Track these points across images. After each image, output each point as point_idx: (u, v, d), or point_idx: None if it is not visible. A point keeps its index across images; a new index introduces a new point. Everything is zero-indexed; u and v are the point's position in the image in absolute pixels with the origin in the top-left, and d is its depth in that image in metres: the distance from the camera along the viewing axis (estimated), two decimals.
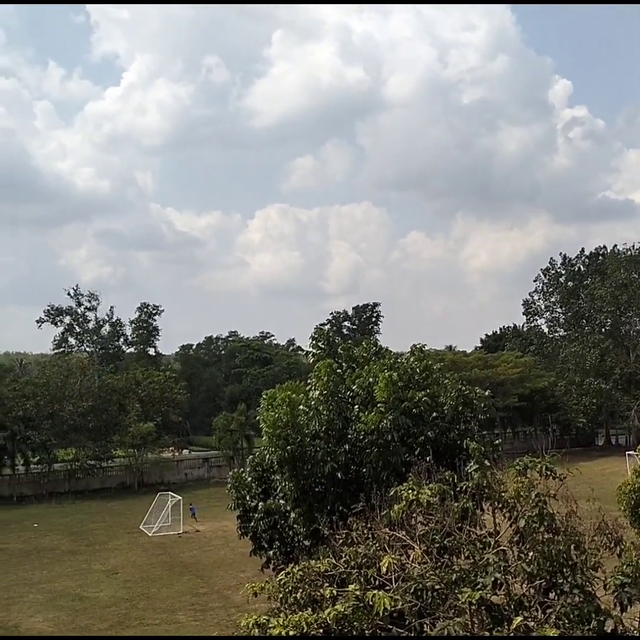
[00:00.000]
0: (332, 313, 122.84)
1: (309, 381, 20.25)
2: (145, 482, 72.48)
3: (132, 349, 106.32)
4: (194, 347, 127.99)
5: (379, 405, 18.07)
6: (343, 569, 11.19)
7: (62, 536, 50.41)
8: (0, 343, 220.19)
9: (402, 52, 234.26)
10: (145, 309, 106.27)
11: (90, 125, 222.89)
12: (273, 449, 18.98)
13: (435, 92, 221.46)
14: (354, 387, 19.31)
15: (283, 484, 19.21)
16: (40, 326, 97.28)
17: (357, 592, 9.94)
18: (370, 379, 18.88)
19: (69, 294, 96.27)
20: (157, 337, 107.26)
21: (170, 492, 53.52)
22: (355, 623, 9.60)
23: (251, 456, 22.17)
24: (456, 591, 9.48)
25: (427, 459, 14.31)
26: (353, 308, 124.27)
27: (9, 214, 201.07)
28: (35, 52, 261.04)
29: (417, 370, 19.40)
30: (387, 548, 11.22)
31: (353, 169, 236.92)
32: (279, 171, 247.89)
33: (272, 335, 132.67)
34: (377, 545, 11.47)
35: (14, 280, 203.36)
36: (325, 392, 18.87)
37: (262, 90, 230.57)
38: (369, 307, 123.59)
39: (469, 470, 11.59)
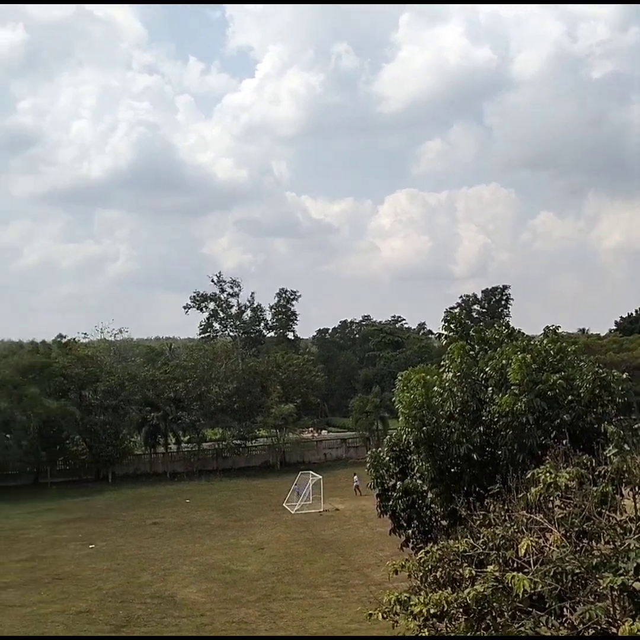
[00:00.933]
0: (461, 296, 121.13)
1: (442, 363, 20.05)
2: (287, 461, 74.04)
3: (272, 333, 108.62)
4: (329, 331, 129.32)
5: (512, 387, 17.70)
6: (481, 550, 11.08)
7: (212, 512, 52.24)
8: (152, 328, 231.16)
9: (530, 29, 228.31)
10: (283, 295, 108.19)
11: (228, 116, 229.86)
12: (409, 430, 18.93)
13: (565, 68, 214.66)
14: (487, 369, 18.98)
15: (420, 464, 19.13)
16: (187, 312, 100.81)
17: (496, 573, 9.83)
18: (504, 361, 18.49)
19: (212, 280, 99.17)
20: (295, 321, 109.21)
21: (310, 472, 54.40)
22: (494, 604, 9.50)
23: (388, 436, 22.16)
24: (597, 576, 9.21)
25: (564, 442, 13.92)
26: (482, 291, 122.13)
27: (158, 205, 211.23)
28: (176, 48, 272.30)
29: (551, 352, 18.85)
30: (524, 530, 11.03)
31: (481, 150, 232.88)
32: (408, 155, 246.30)
33: (403, 319, 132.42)
34: (514, 527, 11.28)
35: (164, 269, 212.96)
36: (458, 373, 18.63)
37: (390, 74, 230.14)
38: (499, 289, 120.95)
39: (608, 455, 11.22)
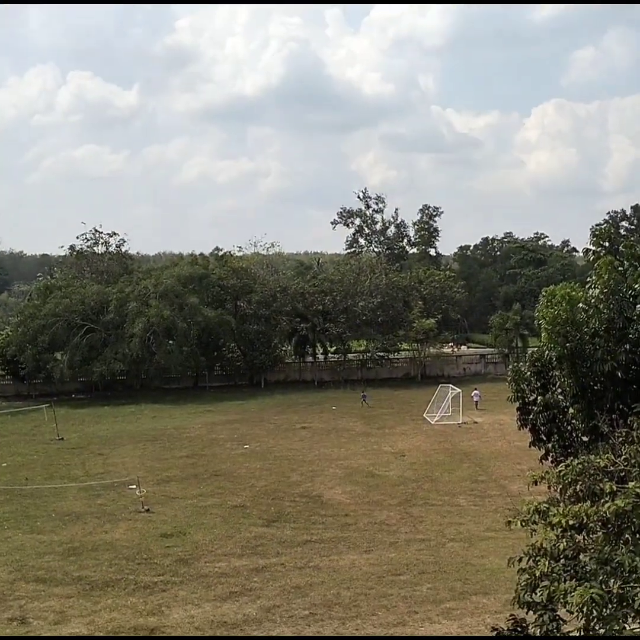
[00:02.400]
0: (609, 212, 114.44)
1: (587, 280, 19.19)
2: (427, 374, 74.24)
3: (414, 250, 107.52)
4: (471, 248, 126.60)
5: None
6: (622, 467, 10.71)
7: (356, 419, 53.26)
8: (301, 243, 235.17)
9: None
10: (426, 211, 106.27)
11: (376, 29, 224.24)
12: (552, 345, 18.40)
13: None
14: (636, 286, 17.98)
15: (562, 380, 18.62)
16: (334, 227, 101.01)
17: (638, 489, 9.50)
18: None
19: (358, 197, 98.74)
20: (437, 238, 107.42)
21: (450, 385, 54.29)
22: (634, 520, 9.22)
23: (530, 351, 21.67)
24: None
25: None
26: (631, 207, 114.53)
27: (307, 121, 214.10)
28: None
29: None
30: None
31: (637, 58, 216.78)
32: (557, 65, 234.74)
33: (546, 237, 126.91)
34: None
35: (313, 185, 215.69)
36: (605, 290, 17.76)
37: None
38: None
39: None
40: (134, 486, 34.37)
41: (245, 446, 44.94)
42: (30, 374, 67.36)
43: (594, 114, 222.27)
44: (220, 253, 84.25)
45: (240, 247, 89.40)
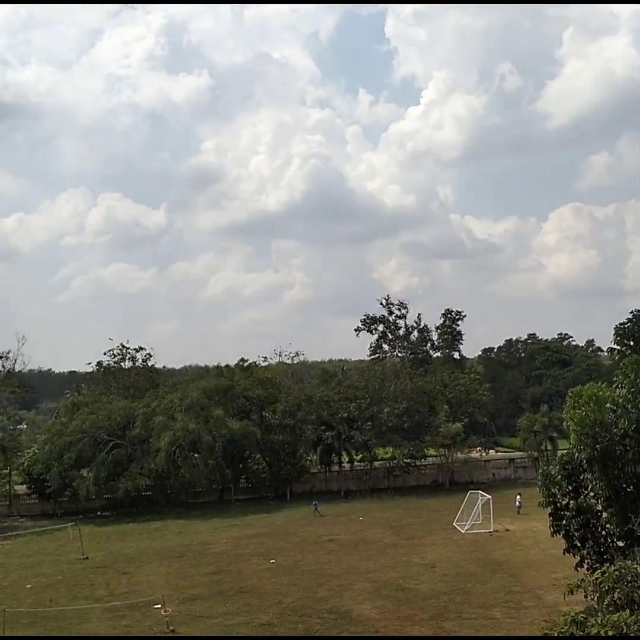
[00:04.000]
0: (632, 311, 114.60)
1: (614, 379, 18.89)
2: (456, 480, 72.55)
3: (438, 353, 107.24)
4: (494, 350, 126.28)
5: None
6: None
7: (384, 530, 51.81)
8: (325, 351, 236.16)
9: None
10: (449, 315, 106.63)
11: (394, 145, 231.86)
12: (581, 447, 17.97)
13: None
14: None
15: (593, 483, 18.11)
16: (358, 334, 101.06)
17: None
18: None
19: (381, 303, 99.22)
20: (460, 341, 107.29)
21: (480, 491, 52.95)
22: None
23: (560, 454, 21.18)
24: None
25: None
26: None
27: (330, 233, 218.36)
28: (346, 82, 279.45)
29: None
30: None
31: None
32: (572, 170, 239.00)
33: (571, 337, 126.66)
34: None
35: (336, 294, 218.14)
36: (633, 389, 17.45)
37: (555, 91, 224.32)
38: None
39: None
40: (159, 605, 33.38)
41: (272, 561, 43.67)
42: (56, 492, 66.53)
43: (612, 216, 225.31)
44: (246, 364, 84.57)
45: (265, 357, 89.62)
